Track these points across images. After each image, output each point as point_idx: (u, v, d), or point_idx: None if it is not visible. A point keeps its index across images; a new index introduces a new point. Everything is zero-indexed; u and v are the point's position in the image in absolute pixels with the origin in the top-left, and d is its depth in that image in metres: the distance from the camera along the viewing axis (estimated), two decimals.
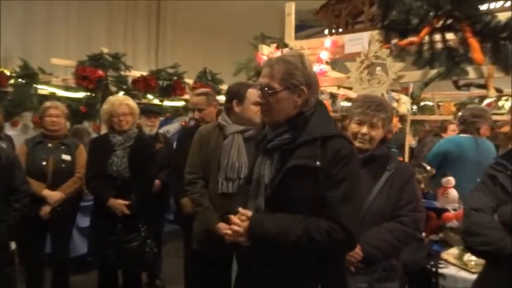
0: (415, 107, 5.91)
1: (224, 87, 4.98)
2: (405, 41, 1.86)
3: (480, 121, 3.15)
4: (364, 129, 1.70)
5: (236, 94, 2.24)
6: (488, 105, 6.00)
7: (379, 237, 1.63)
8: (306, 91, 1.30)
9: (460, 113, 3.59)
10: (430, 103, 6.64)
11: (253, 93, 2.20)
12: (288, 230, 1.24)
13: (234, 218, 1.34)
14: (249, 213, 1.33)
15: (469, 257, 2.04)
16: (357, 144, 1.69)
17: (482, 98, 5.81)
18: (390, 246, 1.63)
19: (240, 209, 1.36)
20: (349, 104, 6.01)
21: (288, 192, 1.28)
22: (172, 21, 7.95)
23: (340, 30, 2.89)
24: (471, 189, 1.51)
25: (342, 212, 1.22)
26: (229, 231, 1.36)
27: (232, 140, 2.19)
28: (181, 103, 5.05)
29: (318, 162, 1.24)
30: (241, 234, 1.31)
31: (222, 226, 2.08)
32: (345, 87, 4.14)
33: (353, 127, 1.73)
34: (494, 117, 5.94)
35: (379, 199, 1.67)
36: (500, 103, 6.00)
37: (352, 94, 4.96)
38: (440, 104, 6.56)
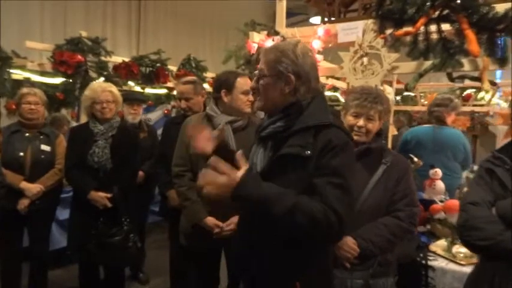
0: (398, 98, 5.94)
1: (208, 74, 4.87)
2: (401, 32, 1.82)
3: (442, 110, 3.18)
4: (361, 122, 1.66)
5: (225, 83, 2.16)
6: (468, 96, 6.09)
7: (375, 232, 1.61)
8: (293, 80, 1.27)
9: None
10: (411, 94, 6.69)
11: (242, 83, 2.13)
12: (283, 196, 1.17)
13: (221, 165, 1.20)
14: (246, 164, 1.23)
15: (457, 249, 2.05)
16: (353, 136, 1.65)
17: (463, 89, 5.87)
18: (386, 241, 1.62)
19: (239, 153, 1.23)
20: (334, 93, 6.01)
21: (279, 180, 1.24)
22: (154, 7, 7.70)
23: (333, 18, 2.82)
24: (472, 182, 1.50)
25: (332, 197, 1.18)
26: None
27: None
28: (163, 91, 4.91)
29: (308, 152, 1.21)
30: (227, 184, 1.17)
31: (211, 221, 2.03)
32: (333, 78, 4.10)
33: (349, 119, 1.69)
34: (474, 109, 6.04)
35: (376, 192, 1.64)
36: (479, 95, 6.07)
37: (340, 84, 4.94)
38: (422, 94, 6.62)
